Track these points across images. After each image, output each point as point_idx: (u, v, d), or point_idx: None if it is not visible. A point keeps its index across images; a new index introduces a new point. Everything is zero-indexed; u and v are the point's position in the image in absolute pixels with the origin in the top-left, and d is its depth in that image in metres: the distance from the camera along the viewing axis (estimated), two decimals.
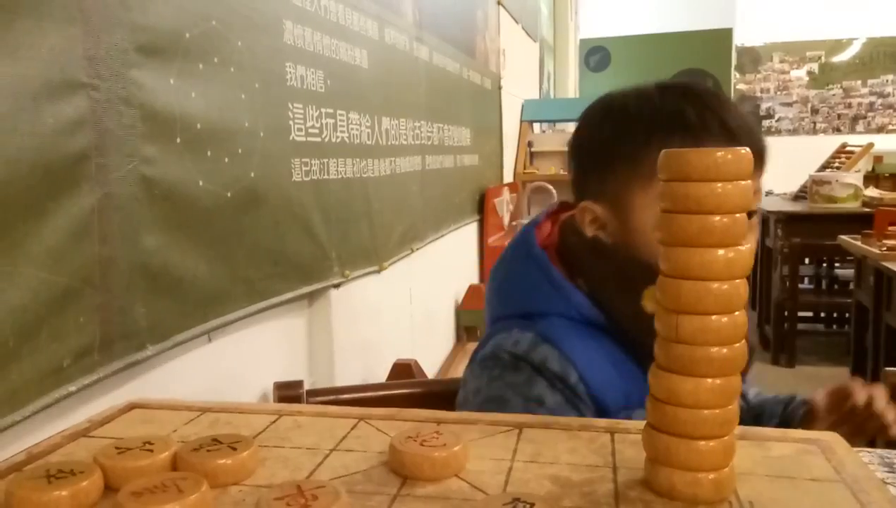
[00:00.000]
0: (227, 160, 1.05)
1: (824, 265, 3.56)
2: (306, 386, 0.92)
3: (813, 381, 2.74)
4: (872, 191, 3.45)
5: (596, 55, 8.58)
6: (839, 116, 7.61)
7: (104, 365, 0.81)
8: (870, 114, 7.61)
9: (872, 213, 2.49)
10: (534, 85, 5.16)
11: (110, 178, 0.81)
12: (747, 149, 0.41)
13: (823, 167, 4.15)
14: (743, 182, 0.41)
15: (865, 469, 0.45)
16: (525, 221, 3.12)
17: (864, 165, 4.27)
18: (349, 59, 1.55)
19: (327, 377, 1.50)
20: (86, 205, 0.78)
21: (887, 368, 0.91)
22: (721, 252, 0.40)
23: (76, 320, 0.76)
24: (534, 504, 0.39)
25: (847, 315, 3.25)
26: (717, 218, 0.40)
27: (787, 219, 3.27)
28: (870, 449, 0.54)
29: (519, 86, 4.19)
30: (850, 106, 7.60)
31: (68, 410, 0.78)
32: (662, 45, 7.12)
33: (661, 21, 7.22)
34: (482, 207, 3.02)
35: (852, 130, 7.43)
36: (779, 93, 7.65)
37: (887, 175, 4.84)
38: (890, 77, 7.53)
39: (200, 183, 0.99)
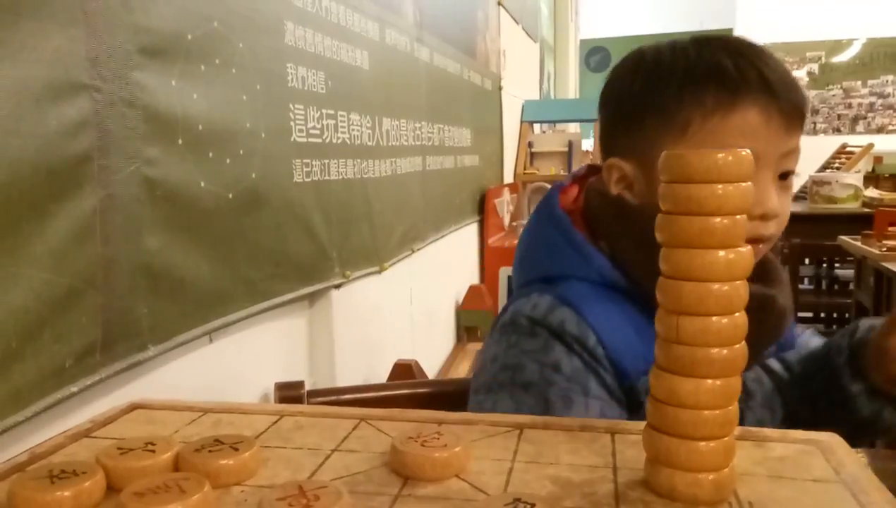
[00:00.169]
0: (228, 161, 1.06)
1: (824, 265, 3.56)
2: (307, 387, 0.92)
3: None
4: (872, 192, 3.45)
5: (596, 55, 8.58)
6: (839, 117, 7.61)
7: (106, 366, 0.81)
8: (870, 114, 7.61)
9: (872, 214, 2.49)
10: (534, 85, 5.16)
11: (112, 179, 0.81)
12: (748, 151, 0.41)
13: (823, 167, 4.16)
14: (744, 183, 0.41)
15: (865, 470, 0.45)
16: (526, 221, 3.11)
17: (864, 166, 4.27)
18: (350, 60, 1.55)
19: (328, 377, 1.50)
20: (88, 206, 0.78)
21: None
22: (722, 253, 0.40)
23: (78, 321, 0.77)
24: (534, 505, 0.39)
25: (847, 315, 3.25)
26: (718, 219, 0.40)
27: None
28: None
29: (519, 87, 4.19)
30: (850, 106, 7.61)
31: (70, 410, 0.78)
32: None
33: (661, 21, 7.23)
34: (483, 208, 3.03)
35: (852, 131, 7.43)
36: None
37: (887, 175, 4.85)
38: (890, 77, 7.54)
39: (202, 184, 0.99)
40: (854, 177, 3.43)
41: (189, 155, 0.96)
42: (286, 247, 1.25)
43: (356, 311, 1.65)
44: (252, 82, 1.13)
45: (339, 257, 1.48)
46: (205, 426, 0.56)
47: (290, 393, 0.91)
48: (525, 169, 3.92)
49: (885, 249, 2.15)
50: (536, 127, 4.68)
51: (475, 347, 2.59)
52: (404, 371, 1.50)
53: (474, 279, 2.99)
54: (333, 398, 0.93)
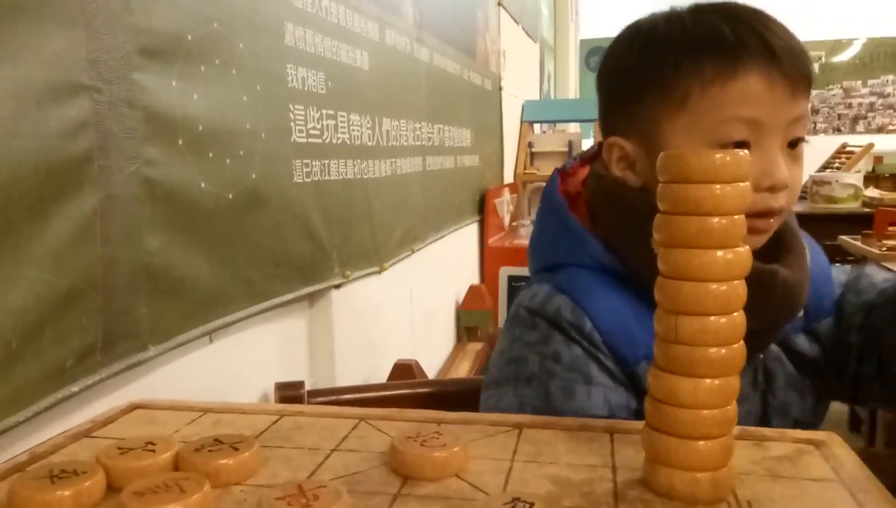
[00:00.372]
0: (228, 161, 1.06)
1: None
2: (307, 387, 0.93)
3: None
4: (872, 192, 3.45)
5: (596, 56, 8.58)
6: (839, 116, 7.61)
7: (106, 366, 0.81)
8: (870, 114, 7.61)
9: (872, 214, 2.49)
10: (534, 85, 5.17)
11: (112, 180, 0.82)
12: (746, 152, 0.41)
13: (824, 167, 4.15)
14: (742, 183, 0.41)
15: (864, 470, 0.45)
16: (526, 221, 3.10)
17: (865, 165, 4.27)
18: (350, 60, 1.55)
19: (328, 377, 1.50)
20: (88, 206, 0.78)
21: None
22: (720, 253, 0.41)
23: (78, 321, 0.77)
24: (533, 504, 0.39)
25: None
26: (716, 219, 0.40)
27: None
28: None
29: (519, 87, 4.19)
30: (850, 106, 7.60)
31: (71, 410, 0.78)
32: None
33: None
34: (483, 208, 3.03)
35: (852, 130, 7.43)
36: None
37: (887, 175, 4.84)
38: (890, 77, 7.53)
39: (202, 184, 0.99)
40: (854, 177, 3.43)
41: (189, 155, 0.96)
42: (286, 247, 1.25)
43: (356, 311, 1.65)
44: (252, 83, 1.13)
45: (339, 257, 1.48)
46: (205, 426, 0.56)
47: (290, 392, 0.91)
48: (525, 169, 3.92)
49: (885, 249, 2.15)
50: (536, 127, 4.69)
51: (475, 347, 2.59)
52: (404, 371, 1.50)
53: (474, 279, 2.99)
54: (333, 398, 0.93)
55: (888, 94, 7.55)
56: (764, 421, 0.71)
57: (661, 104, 0.66)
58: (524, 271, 3.00)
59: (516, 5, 4.01)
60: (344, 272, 1.51)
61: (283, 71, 1.24)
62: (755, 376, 0.71)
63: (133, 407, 0.61)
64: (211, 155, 1.01)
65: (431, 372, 2.25)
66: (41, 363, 0.72)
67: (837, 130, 7.48)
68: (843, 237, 2.48)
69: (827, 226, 3.04)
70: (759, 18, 0.66)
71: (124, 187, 0.84)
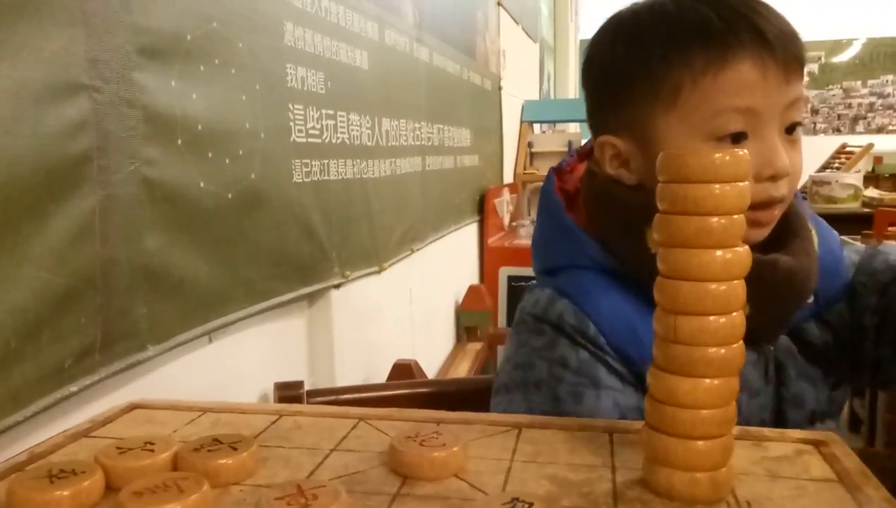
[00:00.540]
0: (227, 161, 1.06)
1: None
2: (307, 387, 0.93)
3: None
4: (872, 192, 3.45)
5: None
6: (839, 117, 7.62)
7: (105, 366, 0.81)
8: (870, 114, 7.61)
9: (872, 214, 2.49)
10: (534, 85, 5.17)
11: (112, 180, 0.82)
12: (745, 151, 0.41)
13: (823, 167, 4.16)
14: (741, 183, 0.41)
15: (863, 470, 0.45)
16: (525, 221, 3.09)
17: (864, 166, 4.28)
18: (349, 60, 1.55)
19: (327, 377, 1.50)
20: (87, 206, 0.78)
21: None
22: (719, 253, 0.41)
23: (77, 321, 0.77)
24: (532, 504, 0.39)
25: None
26: (715, 219, 0.40)
27: None
28: None
29: (519, 87, 4.19)
30: (850, 106, 7.61)
31: (70, 410, 0.78)
32: None
33: None
34: (482, 208, 3.03)
35: (852, 131, 7.43)
36: None
37: (887, 175, 4.85)
38: (890, 77, 7.54)
39: (201, 184, 0.99)
40: (854, 177, 3.43)
41: (188, 155, 0.96)
42: (285, 247, 1.25)
43: (356, 311, 1.65)
44: (251, 82, 1.13)
45: (339, 257, 1.48)
46: (204, 425, 0.56)
47: (289, 392, 0.91)
48: (525, 169, 3.92)
49: (885, 243, 2.15)
50: (536, 127, 4.69)
51: (475, 347, 2.59)
52: (404, 371, 1.50)
53: (474, 279, 2.99)
54: (333, 398, 0.93)
55: (888, 95, 7.56)
56: (779, 413, 0.69)
57: (651, 99, 0.64)
58: (524, 271, 3.01)
59: (516, 5, 4.01)
60: (343, 272, 1.51)
61: (283, 70, 1.24)
62: (766, 369, 0.69)
63: (132, 407, 0.61)
64: (210, 154, 1.01)
65: (431, 372, 2.25)
66: (40, 363, 0.72)
67: (837, 130, 7.49)
68: (843, 237, 2.48)
69: None
70: (745, 2, 0.63)
71: (123, 187, 0.84)
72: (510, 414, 0.63)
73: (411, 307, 2.13)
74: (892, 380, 0.73)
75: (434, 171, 2.30)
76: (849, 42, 7.44)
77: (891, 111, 7.56)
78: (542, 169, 3.97)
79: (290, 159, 1.27)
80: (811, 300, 0.69)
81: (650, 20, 0.65)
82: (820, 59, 7.44)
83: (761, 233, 0.65)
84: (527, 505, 0.39)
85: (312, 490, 0.41)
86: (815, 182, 3.38)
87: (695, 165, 0.40)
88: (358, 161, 1.60)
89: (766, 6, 0.64)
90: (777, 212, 0.65)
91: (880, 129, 7.50)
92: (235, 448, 0.47)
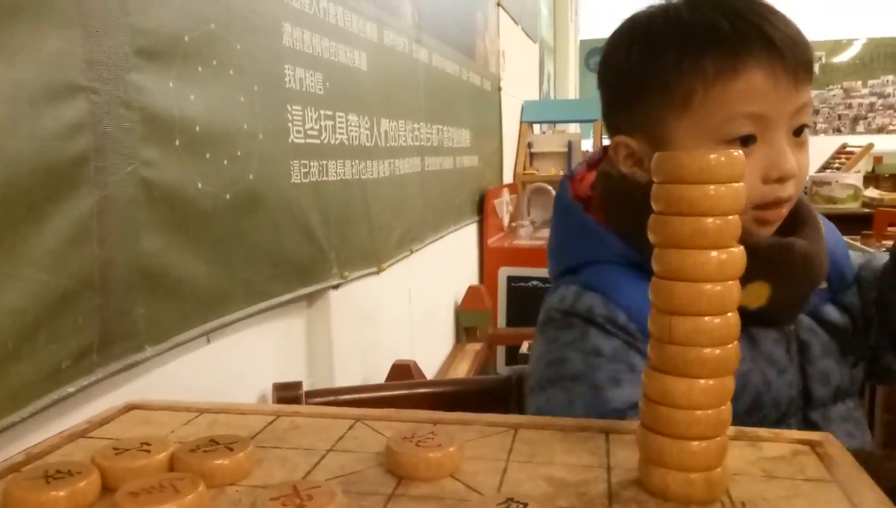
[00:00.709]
0: (225, 162, 1.06)
1: None
2: (305, 387, 0.93)
3: None
4: (872, 192, 3.45)
5: (596, 56, 8.55)
6: (839, 117, 7.61)
7: (103, 367, 0.81)
8: (870, 114, 7.61)
9: (872, 214, 2.49)
10: (534, 86, 5.17)
11: (109, 181, 0.82)
12: (740, 152, 0.41)
13: (823, 168, 4.16)
14: (736, 184, 0.41)
15: (858, 470, 0.45)
16: (525, 222, 3.09)
17: (865, 166, 4.28)
18: (348, 60, 1.55)
19: (326, 378, 1.50)
20: (85, 207, 0.78)
21: None
22: (714, 254, 0.41)
23: (75, 322, 0.77)
24: (527, 505, 0.39)
25: None
26: (711, 220, 0.40)
27: None
28: None
29: (519, 88, 4.19)
30: (850, 106, 7.61)
31: (67, 411, 0.78)
32: None
33: None
34: (482, 208, 3.03)
35: (852, 131, 7.43)
36: None
37: (887, 175, 4.85)
38: (890, 77, 7.54)
39: (199, 185, 0.99)
40: (854, 178, 3.43)
41: (186, 156, 0.96)
42: (284, 247, 1.25)
43: (355, 312, 1.65)
44: (250, 83, 1.13)
45: (338, 258, 1.48)
46: (201, 426, 0.56)
47: (287, 393, 0.91)
48: (525, 169, 3.92)
49: (884, 250, 2.15)
50: (536, 127, 4.69)
51: (474, 348, 2.59)
52: (403, 371, 1.50)
53: (473, 280, 2.99)
54: (331, 398, 0.93)
55: (888, 95, 7.55)
56: (806, 390, 0.71)
57: (664, 104, 0.67)
58: (524, 271, 3.00)
59: (516, 6, 4.02)
60: (342, 272, 1.51)
61: (281, 71, 1.24)
62: (788, 347, 0.71)
63: (129, 408, 0.61)
64: (208, 155, 1.01)
65: (430, 372, 2.25)
66: (37, 363, 0.72)
67: (837, 131, 7.48)
68: (843, 237, 2.48)
69: None
70: (756, 10, 0.65)
71: (121, 188, 0.84)
72: (554, 411, 0.64)
73: (410, 307, 2.13)
74: (885, 370, 0.76)
75: (433, 172, 2.30)
76: (849, 42, 7.44)
77: (891, 111, 7.56)
78: (542, 169, 3.97)
79: (289, 160, 1.27)
80: (825, 285, 0.72)
81: (664, 25, 0.67)
82: (820, 59, 7.44)
83: (769, 231, 0.69)
84: (521, 506, 0.39)
85: (308, 491, 0.41)
86: (815, 182, 3.38)
87: (690, 166, 0.41)
88: (357, 162, 1.60)
89: (777, 13, 0.66)
90: (784, 211, 0.68)
91: (880, 129, 7.50)
92: (232, 449, 0.47)
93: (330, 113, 1.45)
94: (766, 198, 0.66)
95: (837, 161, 4.20)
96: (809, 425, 0.71)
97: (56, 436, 0.54)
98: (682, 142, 0.66)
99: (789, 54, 0.64)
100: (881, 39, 7.46)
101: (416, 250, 2.08)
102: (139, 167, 0.87)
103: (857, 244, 2.30)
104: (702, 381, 0.41)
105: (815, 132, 7.54)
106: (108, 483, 0.45)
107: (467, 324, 2.67)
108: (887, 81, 7.55)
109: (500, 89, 3.53)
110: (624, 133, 0.71)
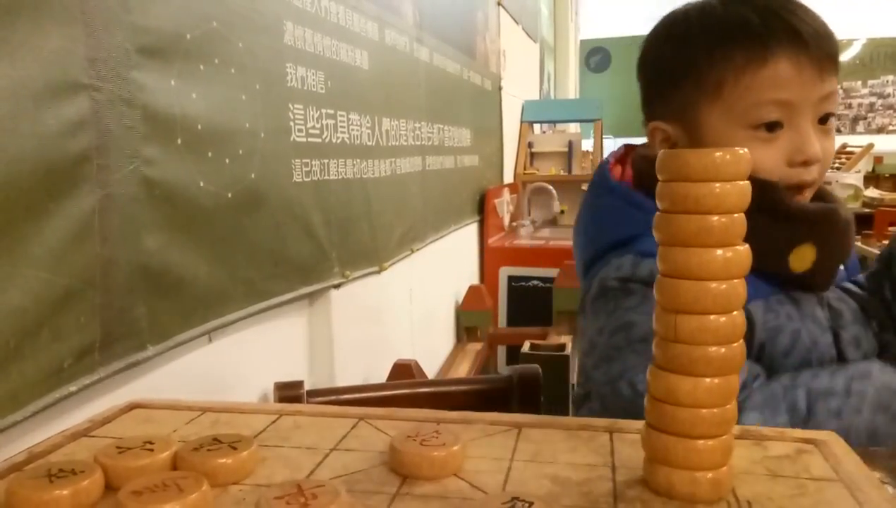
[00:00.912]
0: (227, 161, 1.06)
1: None
2: (307, 387, 0.92)
3: None
4: (873, 192, 3.45)
5: (596, 56, 8.58)
6: (839, 117, 7.60)
7: (105, 365, 0.81)
8: (870, 114, 7.61)
9: (873, 214, 2.49)
10: (534, 86, 5.17)
11: (111, 179, 0.81)
12: (745, 149, 0.41)
13: None
14: (742, 182, 0.41)
15: (863, 469, 0.45)
16: (525, 222, 3.09)
17: (865, 166, 4.27)
18: (350, 60, 1.55)
19: (327, 377, 1.50)
20: (87, 205, 0.78)
21: None
22: (719, 252, 0.40)
23: (77, 320, 0.77)
24: (532, 504, 0.39)
25: None
26: (716, 218, 0.40)
27: None
28: None
29: (519, 87, 4.19)
30: (850, 106, 7.61)
31: (69, 410, 0.78)
32: None
33: None
34: (482, 208, 3.03)
35: (852, 131, 7.43)
36: None
37: (887, 175, 4.85)
38: (890, 78, 7.54)
39: (201, 183, 0.99)
40: (854, 178, 3.42)
41: (188, 154, 0.96)
42: (285, 246, 1.25)
43: (356, 311, 1.65)
44: (251, 82, 1.13)
45: (339, 257, 1.48)
46: (203, 425, 0.56)
47: (289, 392, 0.91)
48: (525, 169, 3.92)
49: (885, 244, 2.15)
50: (536, 127, 4.68)
51: (475, 347, 2.58)
52: (404, 371, 1.50)
53: (474, 279, 2.99)
54: (333, 398, 0.93)
55: (888, 95, 7.56)
56: (840, 355, 0.74)
57: (697, 91, 0.72)
58: (524, 271, 3.00)
59: (516, 5, 4.01)
60: (343, 272, 1.51)
61: (283, 70, 1.24)
62: (824, 312, 0.75)
63: (132, 407, 0.61)
64: (210, 154, 1.01)
65: (431, 372, 2.25)
66: (39, 362, 0.72)
67: (837, 131, 7.41)
68: None
69: None
70: (784, 5, 0.71)
71: (123, 186, 0.84)
72: (627, 376, 0.67)
73: (411, 307, 2.13)
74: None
75: (434, 171, 2.30)
76: (849, 42, 7.44)
77: (891, 111, 7.56)
78: (542, 169, 3.97)
79: (290, 159, 1.27)
80: (841, 267, 0.78)
81: (699, 19, 0.73)
82: None
83: None
84: (526, 505, 0.39)
85: (312, 490, 0.41)
86: None
87: (695, 164, 0.40)
88: (358, 161, 1.60)
89: (804, 8, 0.72)
90: (808, 194, 0.74)
91: (880, 129, 7.50)
92: (235, 448, 0.47)
93: (331, 112, 1.45)
94: (791, 180, 0.71)
95: (838, 161, 4.19)
96: None
97: (58, 435, 0.54)
98: (713, 127, 0.72)
99: (814, 45, 0.69)
100: (881, 39, 7.45)
101: (417, 249, 2.08)
102: (141, 165, 0.86)
103: (858, 244, 2.30)
104: (707, 380, 0.41)
105: None
106: (112, 482, 0.45)
107: (468, 324, 2.67)
108: (887, 81, 7.55)
109: (500, 89, 3.53)
110: (660, 119, 0.77)
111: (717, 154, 0.40)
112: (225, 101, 1.05)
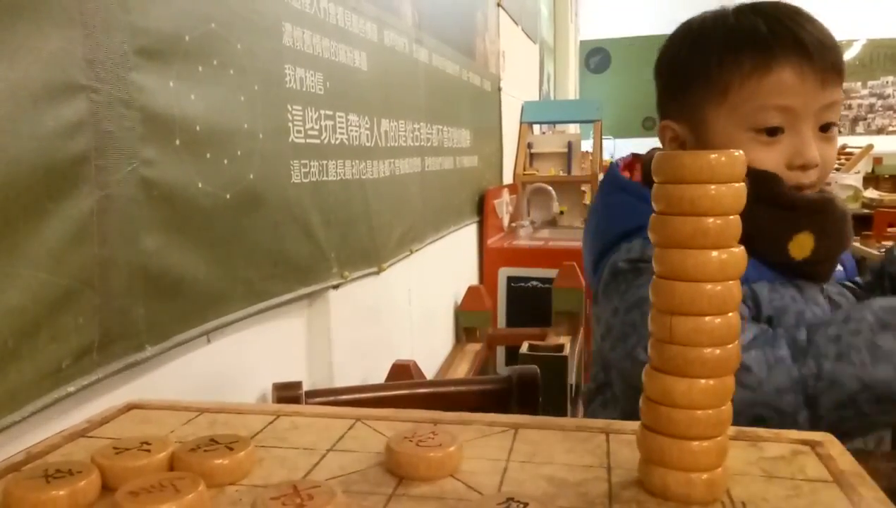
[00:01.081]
0: (226, 162, 1.06)
1: None
2: (305, 387, 0.92)
3: None
4: (872, 193, 3.45)
5: (596, 56, 8.58)
6: (839, 118, 7.61)
7: (103, 366, 0.81)
8: (870, 115, 7.61)
9: (872, 215, 2.49)
10: (534, 86, 5.17)
11: (110, 180, 0.82)
12: (741, 152, 0.41)
13: None
14: (737, 184, 0.41)
15: (858, 470, 0.45)
16: (525, 222, 3.08)
17: (864, 167, 4.27)
18: (348, 61, 1.55)
19: (326, 378, 1.50)
20: (85, 206, 0.78)
21: None
22: (715, 253, 0.41)
23: (75, 321, 0.77)
24: (527, 504, 0.39)
25: None
26: (711, 219, 0.40)
27: None
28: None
29: (519, 88, 4.19)
30: (850, 107, 7.61)
31: (67, 410, 0.78)
32: None
33: (661, 22, 7.22)
34: (482, 208, 3.03)
35: (852, 132, 7.43)
36: None
37: (887, 176, 4.85)
38: (890, 78, 7.54)
39: (200, 184, 0.99)
40: (854, 178, 3.42)
41: (187, 155, 0.96)
42: (284, 247, 1.25)
43: (355, 312, 1.65)
44: (250, 83, 1.13)
45: (338, 258, 1.48)
46: (201, 426, 0.56)
47: (287, 393, 0.91)
48: (524, 170, 3.92)
49: (883, 250, 2.15)
50: (536, 128, 4.68)
51: (474, 348, 2.58)
52: (403, 371, 1.50)
53: (473, 280, 2.99)
54: (331, 398, 0.93)
55: (888, 96, 7.56)
56: None
57: (705, 94, 0.76)
58: (523, 272, 2.99)
59: (516, 6, 4.02)
60: (342, 272, 1.51)
61: (282, 71, 1.24)
62: (822, 302, 0.78)
63: (129, 407, 0.61)
64: (208, 155, 1.01)
65: (430, 372, 2.25)
66: (37, 363, 0.72)
67: (837, 131, 7.48)
68: None
69: None
70: (792, 17, 0.75)
71: (121, 187, 0.84)
72: (642, 345, 0.67)
73: (410, 307, 2.13)
74: None
75: (433, 172, 2.30)
76: (849, 43, 7.44)
77: (891, 112, 7.57)
78: (542, 170, 3.97)
79: (289, 160, 1.27)
80: (841, 268, 0.81)
81: (712, 27, 0.78)
82: None
83: None
84: (522, 506, 0.39)
85: (308, 491, 0.41)
86: None
87: (691, 166, 0.41)
88: (357, 161, 1.60)
89: (812, 19, 0.76)
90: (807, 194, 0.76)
91: (880, 130, 7.50)
92: (232, 449, 0.47)
93: (330, 113, 1.45)
94: (790, 182, 0.74)
95: (837, 162, 4.19)
96: None
97: (56, 436, 0.54)
98: (718, 128, 0.76)
99: (818, 56, 0.72)
100: (881, 40, 7.46)
101: (416, 250, 2.08)
102: (139, 166, 0.87)
103: (857, 245, 2.30)
104: (702, 381, 0.41)
105: None
106: (109, 482, 0.45)
107: (467, 325, 2.67)
108: (887, 82, 7.55)
109: (500, 89, 3.53)
110: (670, 118, 0.81)
111: (713, 156, 0.40)
112: (223, 102, 1.05)
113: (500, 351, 2.82)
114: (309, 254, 1.35)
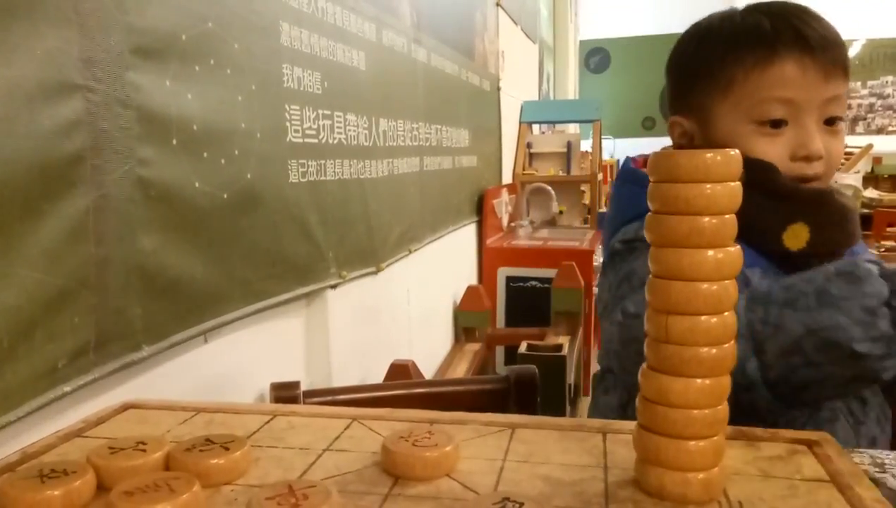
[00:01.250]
0: (223, 161, 1.06)
1: None
2: (303, 387, 0.92)
3: None
4: (872, 193, 3.45)
5: (596, 56, 8.59)
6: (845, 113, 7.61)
7: (99, 366, 0.81)
8: (870, 115, 7.61)
9: (871, 214, 2.50)
10: (533, 86, 5.16)
11: (106, 180, 0.81)
12: (737, 151, 0.41)
13: None
14: (732, 183, 0.41)
15: (855, 469, 0.45)
16: (524, 222, 3.08)
17: (864, 166, 4.27)
18: (347, 60, 1.55)
19: (324, 378, 1.50)
20: (81, 206, 0.78)
21: None
22: (710, 253, 0.40)
23: (71, 321, 0.77)
24: (523, 504, 0.39)
25: None
26: (707, 219, 0.40)
27: None
28: (861, 450, 0.54)
29: (518, 88, 4.19)
30: (849, 107, 7.61)
31: (63, 410, 0.78)
32: (662, 47, 7.10)
33: (660, 22, 7.23)
34: (481, 208, 3.02)
35: (852, 131, 7.43)
36: None
37: (887, 176, 4.85)
38: (890, 78, 7.54)
39: (196, 184, 0.99)
40: (853, 178, 3.42)
41: (183, 155, 0.96)
42: (282, 247, 1.25)
43: (353, 312, 1.65)
44: (247, 83, 1.13)
45: (336, 257, 1.48)
46: (197, 425, 0.56)
47: (285, 393, 0.91)
48: (524, 169, 3.92)
49: (883, 250, 2.15)
50: (535, 127, 4.68)
51: (473, 348, 2.58)
52: (401, 371, 1.50)
53: (472, 280, 2.99)
54: (329, 398, 0.93)
55: (888, 95, 7.56)
56: None
57: (711, 88, 0.78)
58: (522, 271, 2.99)
59: (515, 6, 4.01)
60: (340, 272, 1.51)
61: (279, 71, 1.24)
62: None
63: (126, 407, 0.61)
64: (205, 155, 1.01)
65: (429, 372, 2.25)
66: (33, 362, 0.72)
67: (844, 127, 7.48)
68: None
69: None
70: (798, 14, 0.76)
71: (118, 187, 0.83)
72: (630, 320, 0.70)
73: (409, 307, 2.12)
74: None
75: (432, 172, 2.30)
76: (849, 43, 7.41)
77: (890, 112, 7.57)
78: (541, 169, 3.97)
79: (287, 159, 1.27)
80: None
81: (719, 25, 0.81)
82: None
83: None
84: (517, 505, 0.39)
85: (303, 490, 0.41)
86: None
87: (686, 165, 0.40)
88: (355, 161, 1.60)
89: (816, 17, 0.78)
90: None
91: (880, 130, 7.50)
92: (227, 448, 0.47)
93: (328, 112, 1.45)
94: (793, 173, 0.75)
95: None
96: None
97: (52, 435, 0.54)
98: (723, 121, 0.78)
99: (820, 50, 0.74)
100: (881, 40, 7.46)
101: (415, 250, 2.08)
102: (136, 166, 0.86)
103: None
104: (698, 381, 0.41)
105: None
106: (104, 482, 0.45)
107: (466, 324, 2.67)
108: (887, 82, 7.56)
109: (499, 89, 3.53)
110: (679, 114, 0.83)
111: (708, 155, 0.40)
112: (220, 102, 1.05)
113: (500, 351, 2.81)
114: (307, 253, 1.35)
